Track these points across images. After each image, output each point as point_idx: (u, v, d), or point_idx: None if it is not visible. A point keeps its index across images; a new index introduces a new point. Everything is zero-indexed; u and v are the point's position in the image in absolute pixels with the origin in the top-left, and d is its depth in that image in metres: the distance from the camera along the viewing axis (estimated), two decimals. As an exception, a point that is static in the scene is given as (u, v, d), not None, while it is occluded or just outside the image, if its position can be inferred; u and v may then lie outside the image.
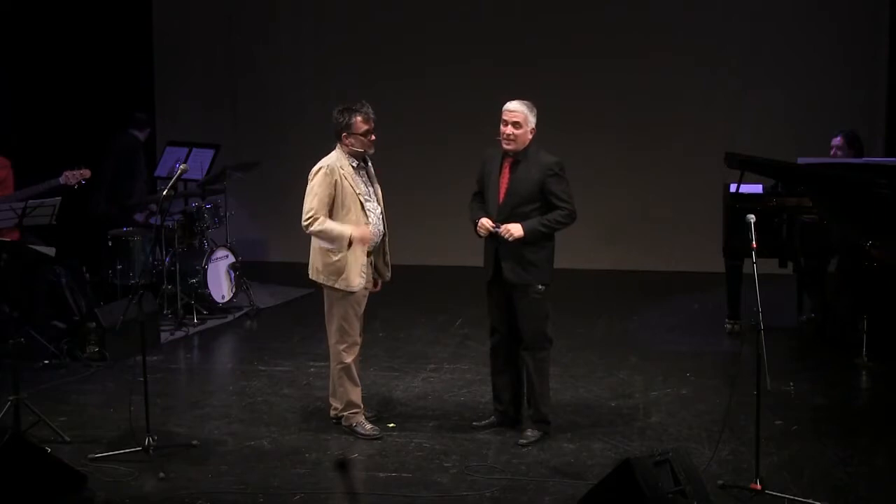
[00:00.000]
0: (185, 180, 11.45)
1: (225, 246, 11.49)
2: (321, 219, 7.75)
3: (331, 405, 8.18)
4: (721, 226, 10.45)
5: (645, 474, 6.12)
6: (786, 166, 10.14)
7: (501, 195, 7.66)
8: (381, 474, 7.31)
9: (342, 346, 7.95)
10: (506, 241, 7.60)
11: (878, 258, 8.35)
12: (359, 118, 7.85)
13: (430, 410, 8.54)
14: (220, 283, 11.33)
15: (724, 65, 12.99)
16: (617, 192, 13.12)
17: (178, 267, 10.93)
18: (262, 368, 9.65)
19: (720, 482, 6.95)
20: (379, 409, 8.48)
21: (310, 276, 8.06)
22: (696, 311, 10.99)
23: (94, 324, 9.77)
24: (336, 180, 7.78)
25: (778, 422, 8.14)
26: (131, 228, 11.26)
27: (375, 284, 8.15)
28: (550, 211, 7.62)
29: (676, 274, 12.65)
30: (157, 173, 12.28)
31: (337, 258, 7.82)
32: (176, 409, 8.58)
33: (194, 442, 7.77)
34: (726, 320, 10.54)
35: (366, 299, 8.06)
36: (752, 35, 12.93)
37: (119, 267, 10.93)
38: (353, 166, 7.88)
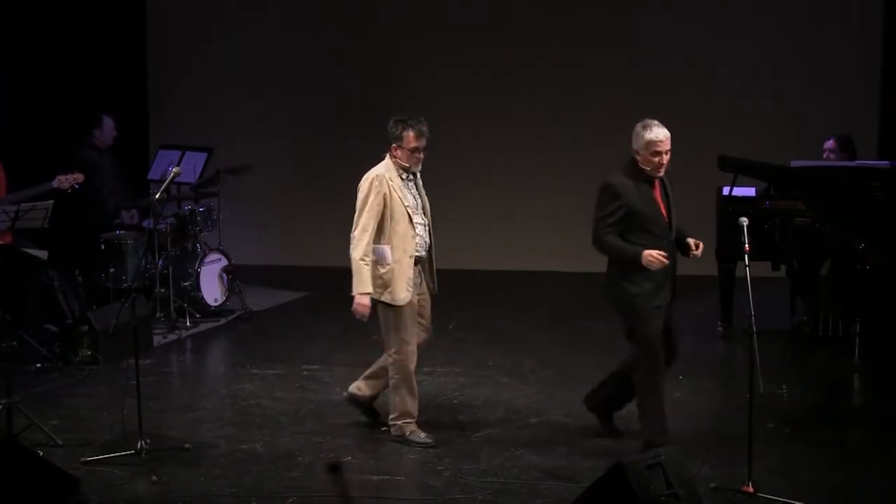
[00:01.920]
0: (178, 183, 11.43)
1: (218, 249, 11.48)
2: (368, 249, 7.67)
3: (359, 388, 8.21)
4: (714, 229, 10.46)
5: (637, 477, 6.12)
6: (779, 169, 10.15)
7: (666, 215, 7.39)
8: (375, 477, 7.31)
9: (400, 356, 7.89)
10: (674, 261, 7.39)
11: (871, 261, 8.36)
12: (411, 133, 7.77)
13: (424, 413, 8.51)
14: (212, 286, 11.33)
15: (718, 68, 13.00)
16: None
17: (170, 270, 10.92)
18: (255, 372, 9.64)
19: (713, 485, 6.94)
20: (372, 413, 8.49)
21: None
22: (690, 314, 10.96)
23: (86, 327, 9.76)
24: (385, 192, 7.72)
25: (771, 425, 8.14)
26: (124, 232, 11.24)
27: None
28: None
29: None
30: (149, 176, 12.27)
31: (384, 270, 7.77)
32: (169, 413, 8.57)
33: (187, 445, 7.76)
34: (719, 323, 10.55)
35: (428, 306, 8.03)
36: (746, 39, 12.95)
37: (112, 270, 10.91)
38: (401, 178, 7.82)
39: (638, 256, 7.19)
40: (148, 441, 7.51)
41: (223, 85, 13.85)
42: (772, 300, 10.98)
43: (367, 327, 10.80)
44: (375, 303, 7.87)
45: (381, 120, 13.60)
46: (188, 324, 10.94)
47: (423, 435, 7.91)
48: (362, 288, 7.70)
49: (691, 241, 7.45)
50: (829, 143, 10.57)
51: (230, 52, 13.85)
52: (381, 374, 8.12)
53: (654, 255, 7.15)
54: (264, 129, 13.75)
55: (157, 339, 10.51)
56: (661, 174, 7.31)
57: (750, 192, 10.47)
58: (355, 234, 7.73)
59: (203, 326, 11.04)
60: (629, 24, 13.17)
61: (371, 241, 7.70)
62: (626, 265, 7.33)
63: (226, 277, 11.43)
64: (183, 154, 11.91)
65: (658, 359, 7.46)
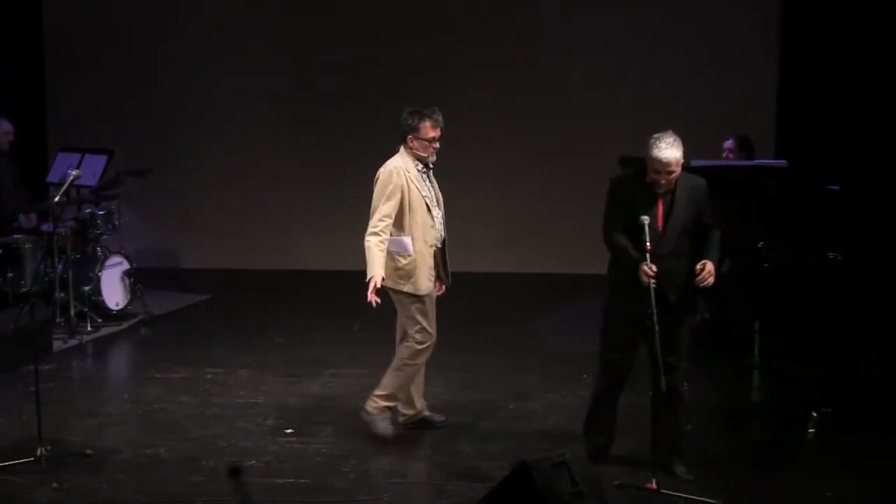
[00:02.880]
0: (78, 186, 11.28)
1: (119, 252, 11.36)
2: (385, 237, 7.68)
3: (401, 412, 8.13)
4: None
5: (542, 476, 6.14)
6: (679, 169, 10.23)
7: (662, 226, 7.17)
8: (279, 480, 7.27)
9: (421, 346, 7.90)
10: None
11: (770, 259, 8.47)
12: (427, 123, 7.82)
13: (329, 415, 8.51)
14: (114, 290, 11.20)
15: (619, 69, 13.10)
16: (527, 196, 13.18)
17: (70, 274, 10.77)
18: (158, 376, 9.55)
19: (617, 482, 7.00)
20: (276, 416, 8.45)
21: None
22: (598, 314, 11.05)
23: (-17, 332, 9.60)
24: (403, 184, 7.74)
25: (689, 426, 8.23)
26: (22, 235, 11.08)
27: (440, 287, 8.07)
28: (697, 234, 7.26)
29: (587, 276, 12.70)
30: (48, 179, 12.07)
31: (406, 262, 7.79)
32: (69, 419, 8.46)
33: (88, 451, 7.65)
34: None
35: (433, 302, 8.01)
36: (647, 40, 13.05)
37: (10, 275, 10.75)
38: (417, 169, 7.84)
39: (636, 262, 7.04)
40: (48, 447, 7.40)
41: (122, 86, 13.68)
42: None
43: (271, 331, 10.83)
44: (391, 294, 7.87)
45: (280, 121, 13.68)
46: (89, 328, 10.81)
47: (389, 427, 7.92)
48: (373, 271, 7.68)
49: (699, 265, 7.14)
50: (729, 143, 10.70)
51: (128, 53, 13.69)
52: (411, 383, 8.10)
53: (644, 270, 7.00)
54: (165, 130, 13.62)
55: (58, 345, 10.36)
56: (663, 191, 7.13)
57: (651, 191, 10.54)
58: (374, 221, 7.72)
59: (104, 331, 10.91)
60: (533, 24, 13.22)
61: (389, 229, 7.72)
62: (614, 269, 7.30)
63: (127, 281, 11.31)
64: (83, 156, 11.74)
65: (611, 369, 7.43)
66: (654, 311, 6.92)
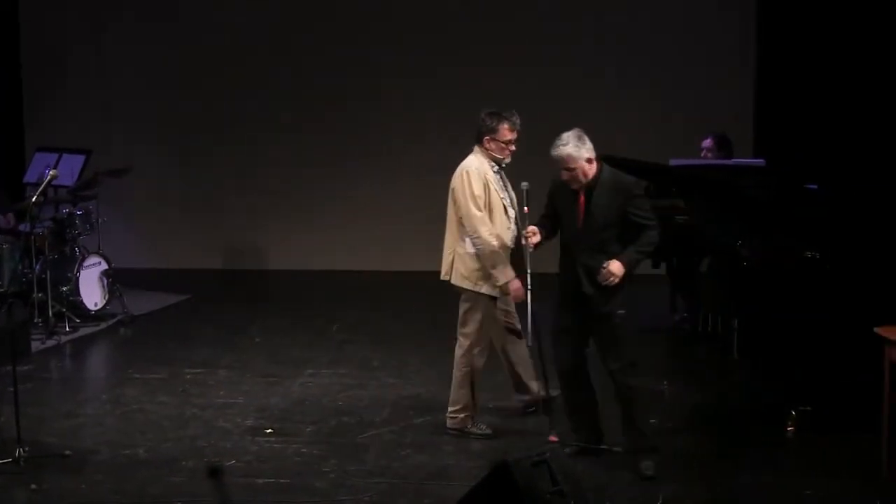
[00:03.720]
0: (56, 186, 11.24)
1: (97, 253, 11.32)
2: (491, 235, 7.73)
3: (517, 399, 8.24)
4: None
5: (523, 475, 6.14)
6: (658, 168, 10.23)
7: (581, 224, 7.34)
8: (259, 480, 7.27)
9: (477, 350, 7.95)
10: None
11: (748, 258, 8.49)
12: (506, 126, 7.87)
13: (309, 415, 8.50)
14: (92, 290, 11.17)
15: (596, 68, 13.12)
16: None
17: (48, 274, 10.73)
18: (137, 376, 9.52)
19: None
20: (256, 416, 8.45)
21: (446, 279, 7.98)
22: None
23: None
24: (484, 184, 7.79)
25: (653, 420, 8.24)
26: (-1, 236, 11.06)
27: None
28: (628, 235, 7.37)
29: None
30: (26, 179, 12.04)
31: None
32: (48, 419, 8.43)
33: (67, 452, 7.62)
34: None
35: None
36: (624, 38, 13.08)
37: (-13, 275, 10.72)
38: (493, 171, 7.88)
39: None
40: (26, 448, 7.38)
41: (100, 85, 13.65)
42: (652, 298, 11.13)
43: (250, 331, 10.82)
44: (465, 294, 7.92)
45: (265, 122, 13.66)
46: (67, 329, 10.77)
47: (483, 426, 8.00)
48: (510, 273, 7.75)
49: (604, 264, 7.28)
50: (707, 142, 10.72)
51: (107, 52, 13.66)
52: (519, 364, 8.20)
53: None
54: (143, 130, 13.59)
55: (36, 345, 10.31)
56: (575, 187, 7.31)
57: (630, 190, 10.56)
58: (474, 226, 7.73)
59: (83, 331, 10.88)
60: (505, 21, 13.23)
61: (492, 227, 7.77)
62: None
63: (105, 281, 11.28)
64: (60, 156, 11.71)
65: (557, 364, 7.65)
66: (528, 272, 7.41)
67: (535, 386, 8.19)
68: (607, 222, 7.29)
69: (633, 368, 7.37)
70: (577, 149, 7.22)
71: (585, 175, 7.25)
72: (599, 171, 7.32)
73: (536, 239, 7.35)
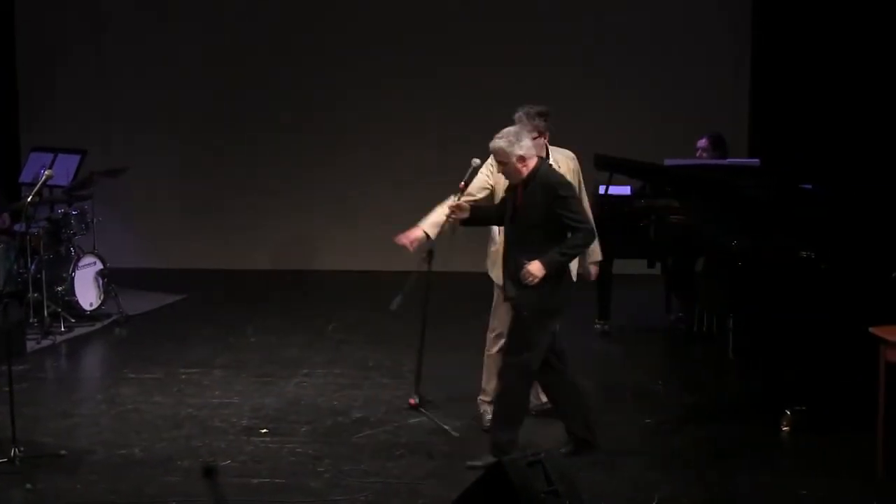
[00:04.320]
0: (51, 186, 11.23)
1: (92, 252, 11.32)
2: (454, 203, 7.76)
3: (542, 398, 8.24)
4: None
5: (518, 475, 6.14)
6: (653, 168, 10.27)
7: (512, 217, 7.45)
8: (254, 480, 7.26)
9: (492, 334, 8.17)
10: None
11: (743, 257, 8.48)
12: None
13: (304, 415, 8.50)
14: (87, 290, 11.16)
15: (591, 68, 13.12)
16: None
17: (44, 274, 10.73)
18: (132, 376, 9.51)
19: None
20: (251, 416, 8.44)
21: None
22: (581, 313, 11.11)
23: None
24: (490, 172, 7.92)
25: (648, 420, 8.26)
26: (-6, 236, 11.05)
27: None
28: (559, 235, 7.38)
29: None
30: (21, 179, 12.04)
31: (492, 249, 8.10)
32: (43, 419, 8.42)
33: (62, 452, 7.63)
34: (596, 321, 10.65)
35: None
36: (624, 39, 13.08)
37: (-18, 275, 10.71)
38: None
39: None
40: (22, 448, 7.38)
41: (97, 85, 13.64)
42: (648, 297, 11.16)
43: (245, 331, 10.81)
44: None
45: (264, 122, 13.66)
46: (63, 329, 10.76)
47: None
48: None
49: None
50: (702, 142, 10.73)
51: (105, 52, 13.65)
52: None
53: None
54: (138, 129, 13.58)
55: (31, 345, 10.30)
56: (513, 183, 7.43)
57: (625, 190, 10.59)
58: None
59: (78, 331, 10.87)
60: (505, 21, 13.23)
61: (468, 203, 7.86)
62: None
63: (101, 281, 11.27)
64: (55, 156, 11.70)
65: None
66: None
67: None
68: (534, 222, 7.34)
69: (519, 369, 7.41)
70: (509, 144, 7.32)
71: (518, 172, 7.35)
72: (536, 169, 7.38)
73: (462, 214, 7.56)
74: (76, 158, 11.72)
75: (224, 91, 13.51)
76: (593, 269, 8.38)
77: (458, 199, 7.56)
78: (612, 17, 13.14)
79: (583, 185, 8.21)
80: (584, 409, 7.68)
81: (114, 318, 11.20)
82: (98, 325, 11.09)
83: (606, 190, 10.31)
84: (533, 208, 7.32)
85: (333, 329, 10.85)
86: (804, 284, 7.96)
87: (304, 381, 9.34)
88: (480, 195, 7.86)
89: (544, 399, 8.27)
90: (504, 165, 7.37)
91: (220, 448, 7.84)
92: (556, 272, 7.28)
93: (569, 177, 7.85)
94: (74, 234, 11.19)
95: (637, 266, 10.76)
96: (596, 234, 7.60)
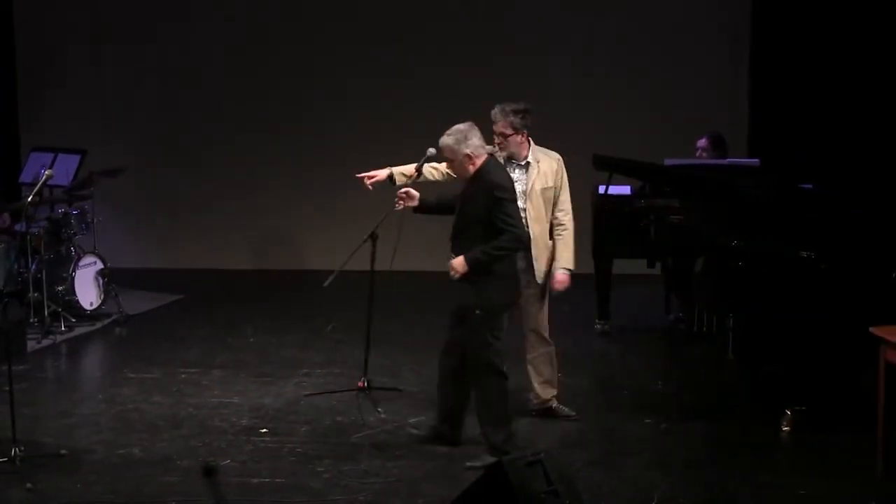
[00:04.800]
0: (51, 186, 11.24)
1: (93, 252, 11.32)
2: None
3: (540, 397, 8.39)
4: (590, 228, 10.53)
5: (517, 475, 6.15)
6: (653, 168, 10.26)
7: (455, 217, 7.61)
8: (254, 480, 7.26)
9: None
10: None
11: (743, 257, 8.49)
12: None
13: (303, 415, 8.50)
14: (88, 289, 11.16)
15: (592, 67, 13.12)
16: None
17: (44, 274, 10.74)
18: (132, 376, 9.51)
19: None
20: (250, 416, 8.44)
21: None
22: (567, 312, 11.10)
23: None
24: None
25: (648, 420, 8.26)
26: (-6, 235, 11.05)
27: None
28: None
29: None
30: (21, 179, 12.04)
31: None
32: (43, 419, 8.42)
33: (62, 451, 7.63)
34: (596, 321, 10.65)
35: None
36: (619, 38, 13.08)
37: (-17, 275, 10.71)
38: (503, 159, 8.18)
39: None
40: (22, 448, 7.38)
41: (97, 85, 13.64)
42: (648, 297, 11.16)
43: (244, 331, 10.81)
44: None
45: (264, 122, 13.66)
46: (63, 328, 10.77)
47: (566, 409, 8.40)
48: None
49: None
50: (702, 142, 10.73)
51: (104, 52, 13.65)
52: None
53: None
54: (137, 129, 13.58)
55: (32, 345, 10.31)
56: (462, 179, 7.59)
57: (625, 190, 10.59)
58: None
59: (78, 331, 10.87)
60: (494, 19, 13.23)
61: None
62: None
63: (101, 281, 11.28)
64: (56, 156, 11.71)
65: None
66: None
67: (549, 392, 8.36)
68: (471, 220, 7.47)
69: (486, 370, 7.49)
70: (457, 142, 7.45)
71: (465, 170, 7.48)
72: (482, 168, 7.47)
73: (412, 202, 7.86)
74: (76, 158, 11.73)
75: (223, 91, 13.51)
76: (559, 276, 8.23)
77: (409, 183, 7.88)
78: (611, 17, 13.14)
79: (566, 186, 8.28)
80: (452, 405, 7.78)
81: (114, 317, 11.21)
82: (98, 325, 11.09)
83: (606, 190, 10.31)
84: (475, 204, 7.45)
85: (332, 329, 10.84)
86: (804, 284, 7.96)
87: (304, 380, 9.34)
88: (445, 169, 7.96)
89: (544, 398, 8.29)
90: (451, 162, 7.54)
91: (220, 448, 7.84)
92: (501, 270, 7.45)
93: (549, 177, 8.08)
94: (75, 234, 11.19)
95: (637, 266, 10.76)
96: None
